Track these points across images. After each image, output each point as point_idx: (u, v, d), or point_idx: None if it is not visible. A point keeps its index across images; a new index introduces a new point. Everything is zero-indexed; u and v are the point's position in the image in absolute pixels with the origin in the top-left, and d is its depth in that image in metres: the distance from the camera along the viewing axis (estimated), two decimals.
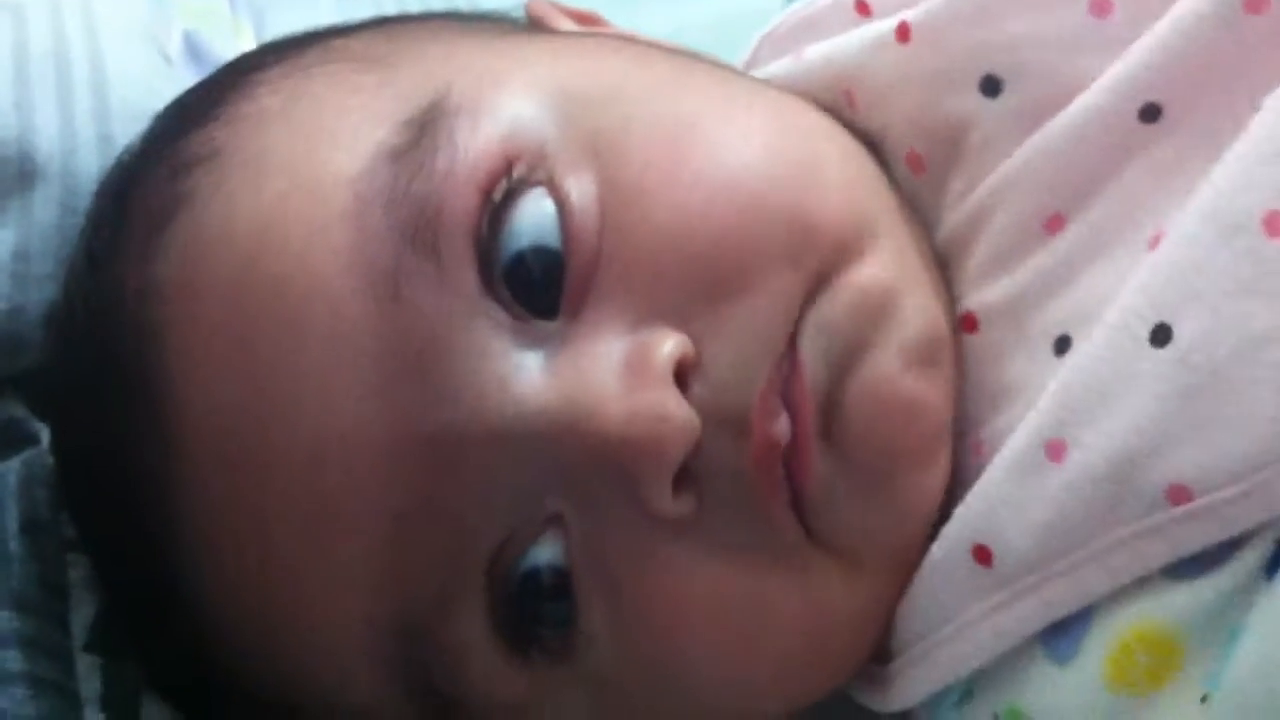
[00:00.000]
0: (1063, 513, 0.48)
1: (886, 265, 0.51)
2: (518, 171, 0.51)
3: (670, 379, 0.48)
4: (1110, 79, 0.51)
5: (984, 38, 0.54)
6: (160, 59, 0.73)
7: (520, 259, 0.50)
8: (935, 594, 0.51)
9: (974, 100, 0.54)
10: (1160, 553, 0.47)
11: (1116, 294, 0.49)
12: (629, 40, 0.63)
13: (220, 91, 0.57)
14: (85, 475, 0.57)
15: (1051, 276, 0.52)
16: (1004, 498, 0.49)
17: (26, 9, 0.67)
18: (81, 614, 0.58)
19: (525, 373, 0.49)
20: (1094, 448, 0.47)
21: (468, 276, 0.49)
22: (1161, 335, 0.47)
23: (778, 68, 0.62)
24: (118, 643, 0.58)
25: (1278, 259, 0.46)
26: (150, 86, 0.67)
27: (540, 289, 0.50)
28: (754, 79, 0.62)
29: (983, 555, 0.50)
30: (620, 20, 0.84)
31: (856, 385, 0.49)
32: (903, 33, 0.56)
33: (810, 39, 0.61)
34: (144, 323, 0.52)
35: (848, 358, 0.50)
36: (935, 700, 0.53)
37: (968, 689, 0.52)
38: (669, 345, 0.48)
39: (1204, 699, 0.46)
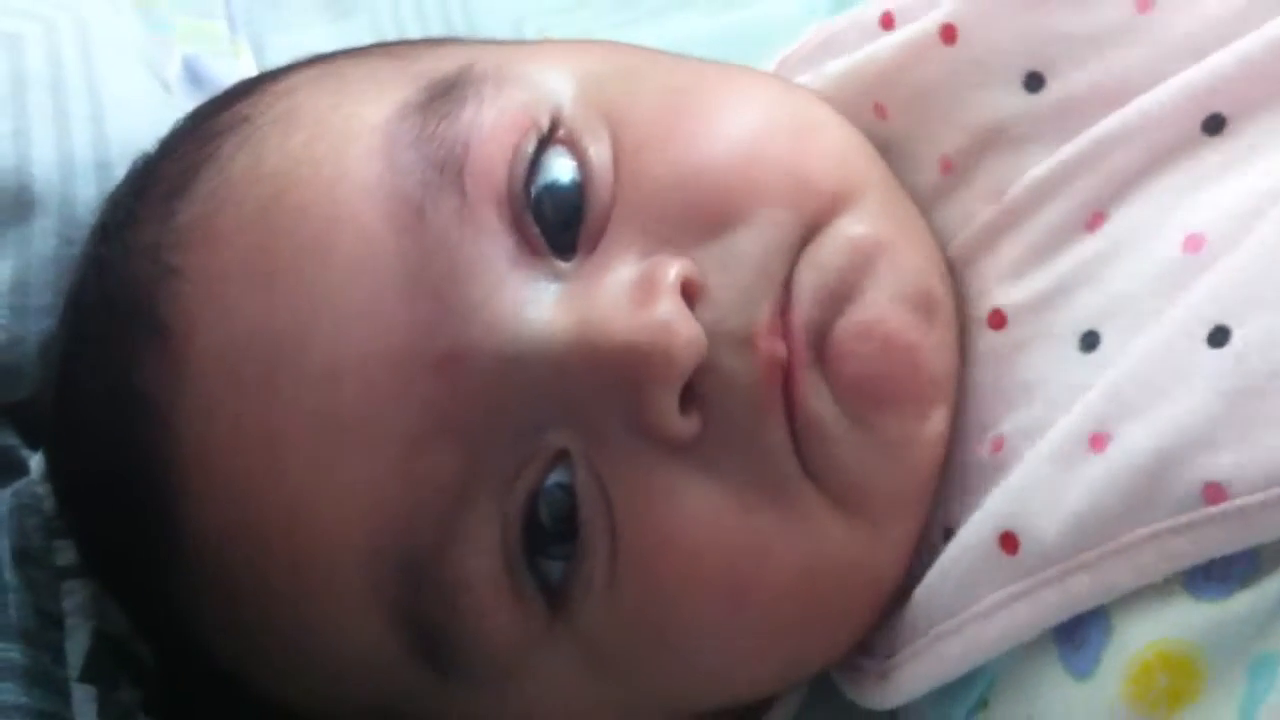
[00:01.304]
0: (1097, 503, 0.48)
1: (878, 219, 0.53)
2: (542, 129, 0.53)
3: (678, 294, 0.49)
4: (1182, 84, 0.52)
5: (1030, 33, 0.55)
6: (159, 86, 0.73)
7: (540, 202, 0.52)
8: (952, 582, 0.51)
9: (1016, 96, 0.55)
10: (1188, 553, 0.47)
11: (1147, 291, 0.50)
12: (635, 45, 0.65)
13: (245, 86, 0.59)
14: (80, 410, 0.57)
15: (1084, 272, 0.53)
16: (1039, 486, 0.50)
17: (24, 38, 0.67)
18: (76, 643, 0.59)
19: (539, 299, 0.51)
20: (1137, 439, 0.48)
21: (491, 211, 0.52)
22: (1219, 336, 0.47)
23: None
24: (112, 670, 0.58)
25: None
26: (149, 114, 0.67)
27: (558, 232, 0.52)
28: (747, 66, 0.63)
29: (1009, 543, 0.50)
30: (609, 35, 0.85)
31: (846, 321, 0.51)
32: (948, 34, 0.57)
33: (828, 59, 0.62)
34: (158, 266, 0.53)
35: (839, 298, 0.51)
36: (949, 709, 0.53)
37: (983, 699, 0.52)
38: (676, 266, 0.50)
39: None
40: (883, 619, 0.54)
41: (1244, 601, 0.46)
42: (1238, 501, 0.46)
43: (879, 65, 0.59)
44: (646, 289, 0.50)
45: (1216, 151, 0.51)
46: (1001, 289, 0.54)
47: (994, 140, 0.56)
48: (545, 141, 0.53)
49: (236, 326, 0.51)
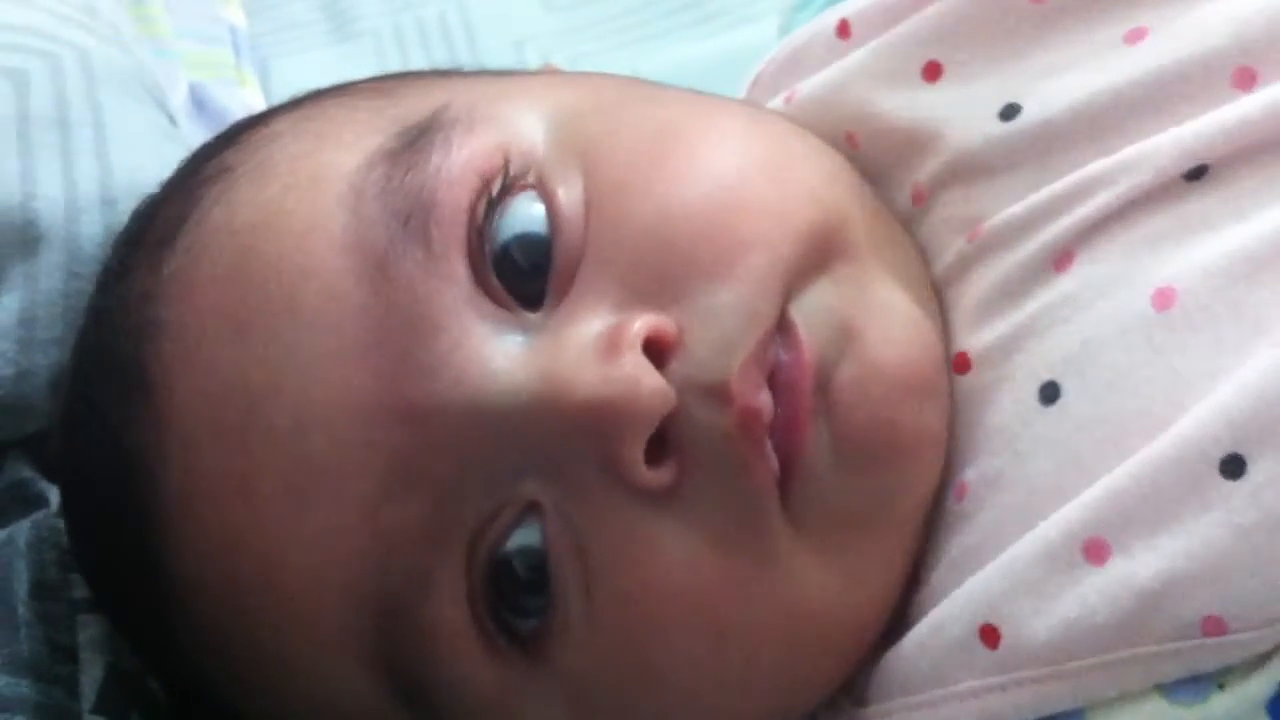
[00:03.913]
0: (1092, 617, 0.48)
1: (867, 258, 0.53)
2: (511, 171, 0.53)
3: (639, 348, 0.49)
4: (1171, 139, 0.51)
5: (1013, 69, 0.55)
6: (163, 118, 0.74)
7: (507, 251, 0.52)
8: (929, 657, 0.51)
9: (990, 124, 0.55)
10: (1173, 671, 0.47)
11: (1113, 346, 0.50)
12: (616, 75, 0.66)
13: (237, 128, 0.60)
14: (82, 468, 0.58)
15: (1050, 315, 0.52)
16: (1028, 585, 0.49)
17: (30, 74, 0.67)
18: (91, 676, 0.59)
19: (505, 353, 0.50)
20: (1142, 561, 0.47)
21: (457, 264, 0.51)
22: (1234, 466, 0.47)
23: (771, 108, 0.63)
24: (126, 704, 0.59)
25: None
26: (153, 149, 0.68)
27: (526, 281, 0.52)
28: (727, 97, 0.63)
29: (990, 636, 0.50)
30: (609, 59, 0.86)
31: (845, 366, 0.50)
32: (932, 71, 0.57)
33: (798, 75, 0.62)
34: (146, 322, 0.54)
35: (842, 341, 0.51)
36: None
37: None
38: (641, 320, 0.50)
39: None
40: (868, 661, 0.54)
41: (1220, 705, 0.47)
42: (1235, 637, 0.46)
43: (853, 96, 0.59)
44: (612, 343, 0.49)
45: (1196, 201, 0.51)
46: (967, 331, 0.54)
47: (964, 170, 0.55)
48: (512, 185, 0.53)
49: (213, 380, 0.51)
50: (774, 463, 0.50)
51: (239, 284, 0.52)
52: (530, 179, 0.53)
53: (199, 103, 0.86)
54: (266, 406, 0.50)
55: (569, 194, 0.52)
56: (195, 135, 0.79)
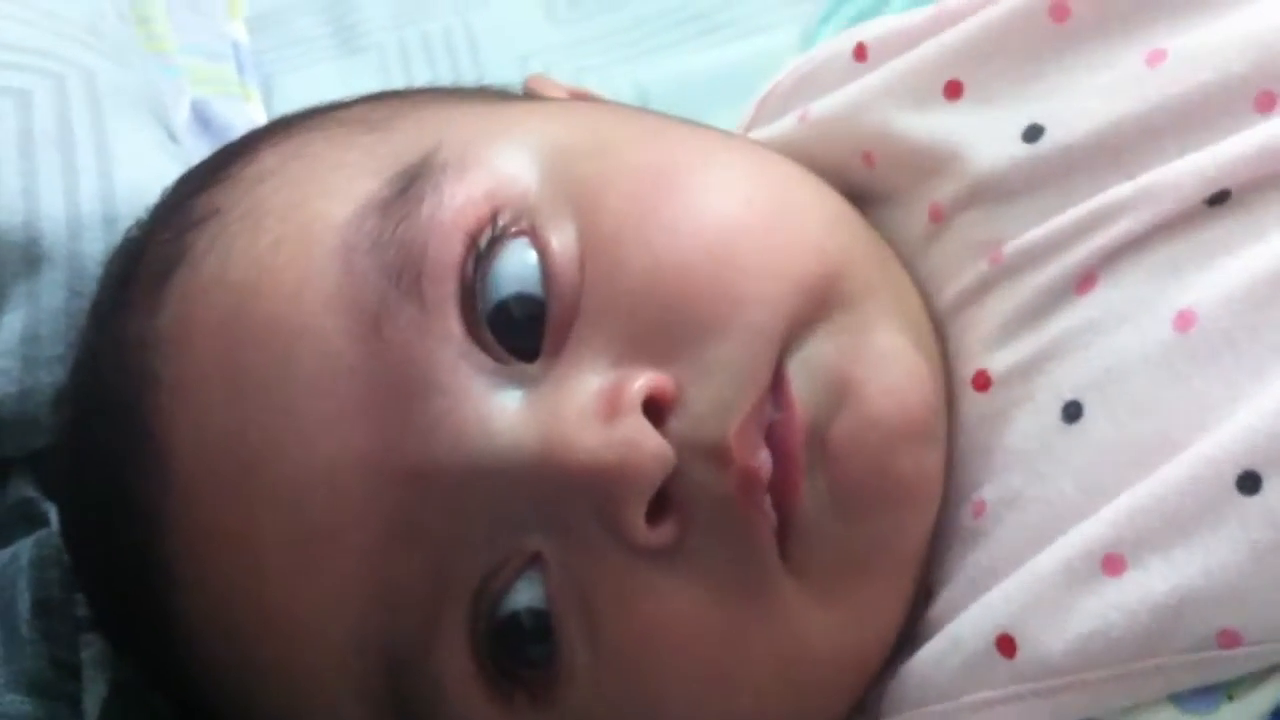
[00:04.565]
0: (1108, 629, 0.48)
1: (866, 308, 0.52)
2: (501, 220, 0.52)
3: (639, 410, 0.49)
4: (1191, 165, 0.51)
5: (1034, 89, 0.55)
6: (165, 137, 0.74)
7: (503, 305, 0.51)
8: (946, 668, 0.51)
9: (1014, 146, 0.54)
10: (1189, 680, 0.48)
11: (1135, 369, 0.50)
12: (614, 104, 0.65)
13: (224, 158, 0.59)
14: (84, 516, 0.58)
15: (1072, 339, 0.52)
16: (1046, 597, 0.49)
17: (32, 93, 0.67)
18: (94, 694, 0.59)
19: (503, 410, 0.50)
20: (1160, 576, 0.47)
21: (450, 319, 0.51)
22: (1249, 483, 0.47)
23: (780, 128, 0.62)
24: (137, 693, 0.59)
25: None
26: (155, 167, 0.68)
27: (522, 333, 0.51)
28: (728, 133, 0.63)
29: (1007, 646, 0.50)
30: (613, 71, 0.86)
31: (841, 418, 0.50)
32: (953, 90, 0.57)
33: (811, 95, 0.62)
34: (142, 370, 0.53)
35: (835, 393, 0.50)
36: None
37: None
38: (640, 380, 0.49)
39: None
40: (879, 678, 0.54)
41: (1229, 714, 0.47)
42: (1251, 649, 0.46)
43: (873, 116, 0.58)
44: (612, 403, 0.49)
45: (1218, 226, 0.51)
46: (988, 351, 0.54)
47: (986, 191, 0.55)
48: (504, 233, 0.52)
49: (212, 436, 0.51)
50: (772, 518, 0.50)
51: (235, 342, 0.51)
52: (523, 225, 0.52)
53: (202, 119, 0.86)
54: (267, 467, 0.50)
55: (562, 241, 0.52)
56: (198, 152, 0.79)
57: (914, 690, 0.52)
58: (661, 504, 0.49)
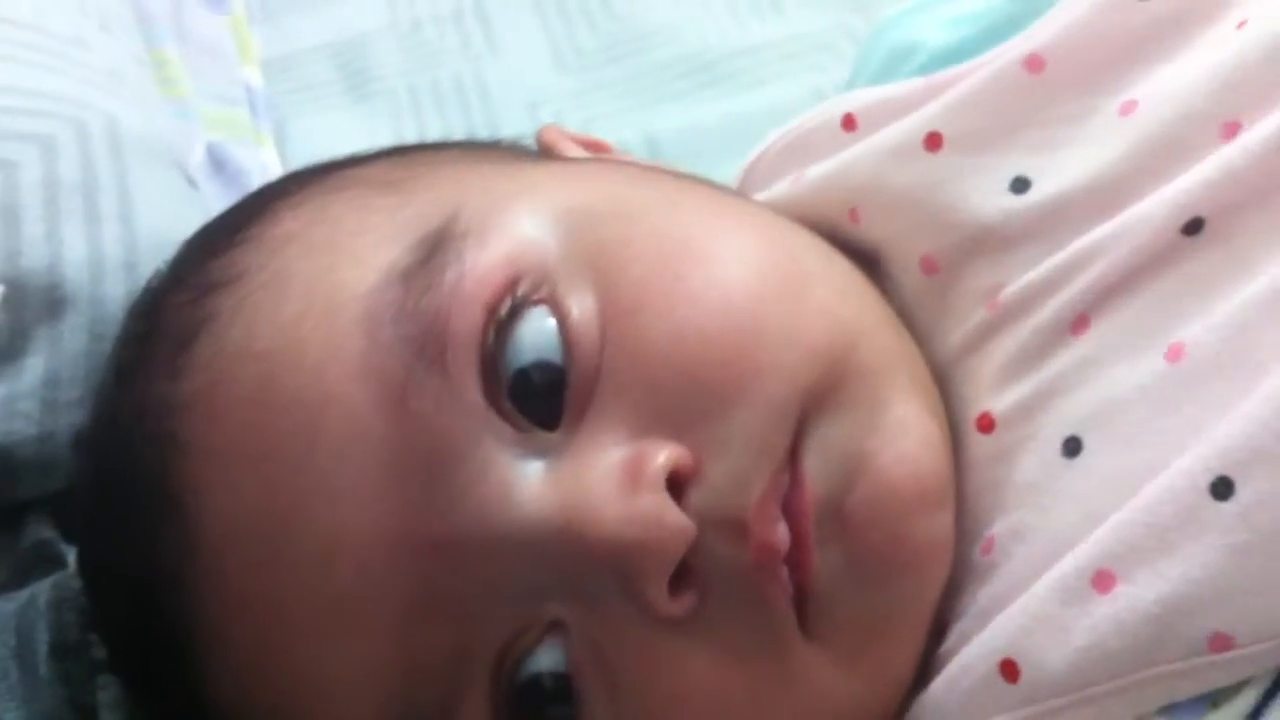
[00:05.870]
0: (1103, 644, 0.49)
1: (879, 377, 0.53)
2: (521, 289, 0.53)
3: (662, 485, 0.49)
4: (1161, 197, 0.53)
5: (1015, 140, 0.56)
6: (184, 184, 0.75)
7: (524, 374, 0.52)
8: (956, 697, 0.52)
9: (1003, 199, 0.56)
10: (1188, 688, 0.48)
11: (1130, 401, 0.51)
12: (629, 164, 0.66)
13: (244, 218, 0.59)
14: (109, 582, 0.59)
15: (1069, 378, 0.53)
16: (1043, 619, 0.50)
17: (57, 139, 0.68)
18: None
19: (525, 482, 0.51)
20: (1147, 586, 0.48)
21: (472, 390, 0.51)
22: (1222, 489, 0.48)
23: (777, 191, 0.64)
24: None
25: None
26: (175, 213, 0.69)
27: (542, 401, 0.52)
28: (743, 198, 0.64)
29: (1010, 671, 0.51)
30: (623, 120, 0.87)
31: (857, 489, 0.51)
32: (933, 141, 0.58)
33: (803, 161, 0.63)
34: (168, 436, 0.54)
35: (849, 464, 0.51)
36: None
37: None
38: (664, 455, 0.50)
39: None
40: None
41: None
42: (1243, 651, 0.47)
43: (859, 173, 0.60)
44: (634, 477, 0.49)
45: (1200, 259, 0.52)
46: (991, 394, 0.55)
47: (983, 242, 0.56)
48: (524, 302, 0.52)
49: (239, 506, 0.52)
50: (789, 588, 0.51)
51: (262, 412, 0.52)
52: (543, 293, 0.53)
53: (217, 162, 0.87)
54: (294, 538, 0.51)
55: (582, 309, 0.52)
56: (214, 195, 0.81)
57: (929, 718, 0.53)
58: (680, 573, 0.50)
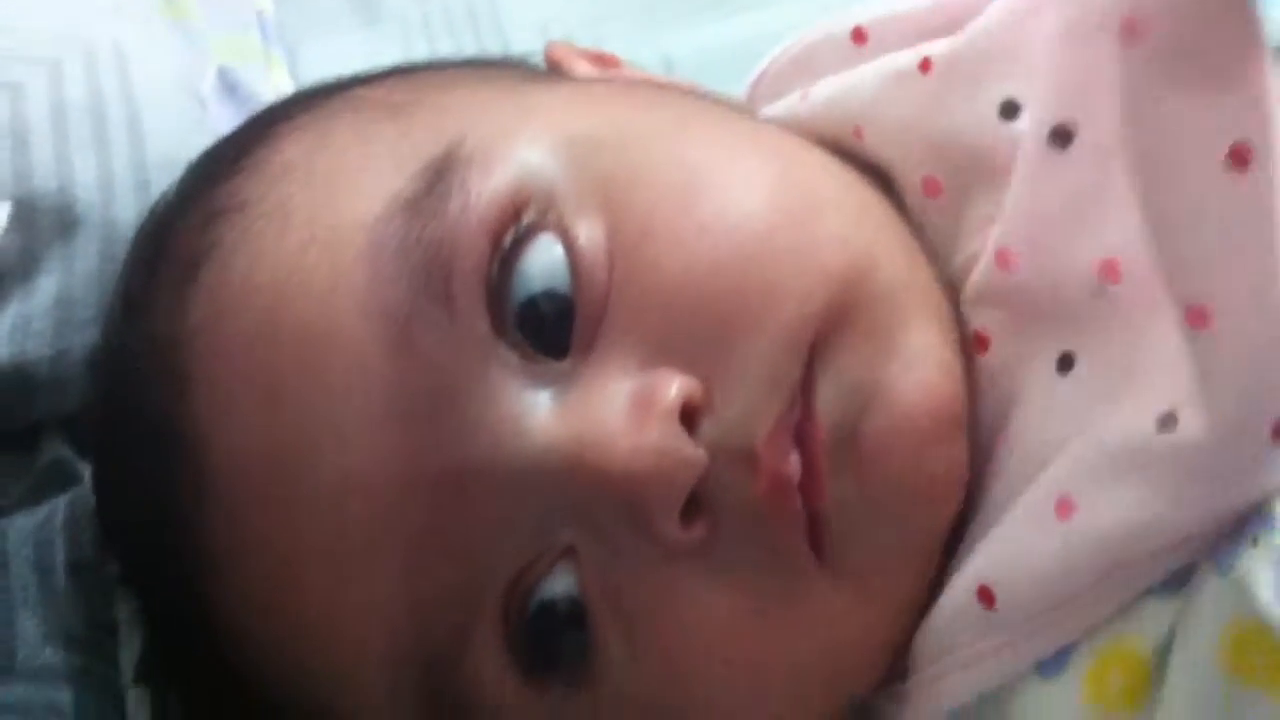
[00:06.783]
0: (1066, 566, 0.49)
1: (892, 300, 0.53)
2: (527, 217, 0.52)
3: (675, 417, 0.49)
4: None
5: (1007, 68, 0.55)
6: (195, 106, 0.75)
7: (531, 303, 0.52)
8: (945, 626, 0.53)
9: (993, 125, 0.55)
10: (1151, 577, 0.49)
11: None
12: (641, 84, 0.65)
13: (247, 142, 0.59)
14: (121, 513, 0.59)
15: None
16: (1011, 544, 0.51)
17: (63, 64, 0.68)
18: (130, 649, 0.60)
19: (535, 412, 0.50)
20: (1100, 515, 0.48)
21: (479, 320, 0.51)
22: (1168, 420, 0.47)
23: (782, 107, 0.63)
24: (165, 676, 0.60)
25: None
26: (185, 135, 0.69)
27: (551, 330, 0.52)
28: (755, 119, 0.63)
29: (986, 596, 0.51)
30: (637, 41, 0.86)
31: (872, 418, 0.50)
32: (925, 65, 0.57)
33: (809, 76, 0.62)
34: (174, 370, 0.54)
35: (862, 392, 0.51)
36: None
37: None
38: (675, 386, 0.50)
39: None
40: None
41: (1180, 597, 0.48)
42: (1203, 543, 0.47)
43: (862, 95, 0.59)
44: (645, 408, 0.49)
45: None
46: (979, 309, 0.54)
47: (977, 169, 0.56)
48: (531, 229, 0.52)
49: (248, 443, 0.52)
50: (802, 517, 0.50)
51: (267, 348, 0.52)
52: (549, 220, 0.52)
53: (228, 88, 0.86)
54: (302, 476, 0.51)
55: (590, 236, 0.52)
56: (225, 118, 0.80)
57: (928, 648, 0.53)
58: (691, 504, 0.49)
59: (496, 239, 0.51)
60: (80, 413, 0.65)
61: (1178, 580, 0.48)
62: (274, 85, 0.88)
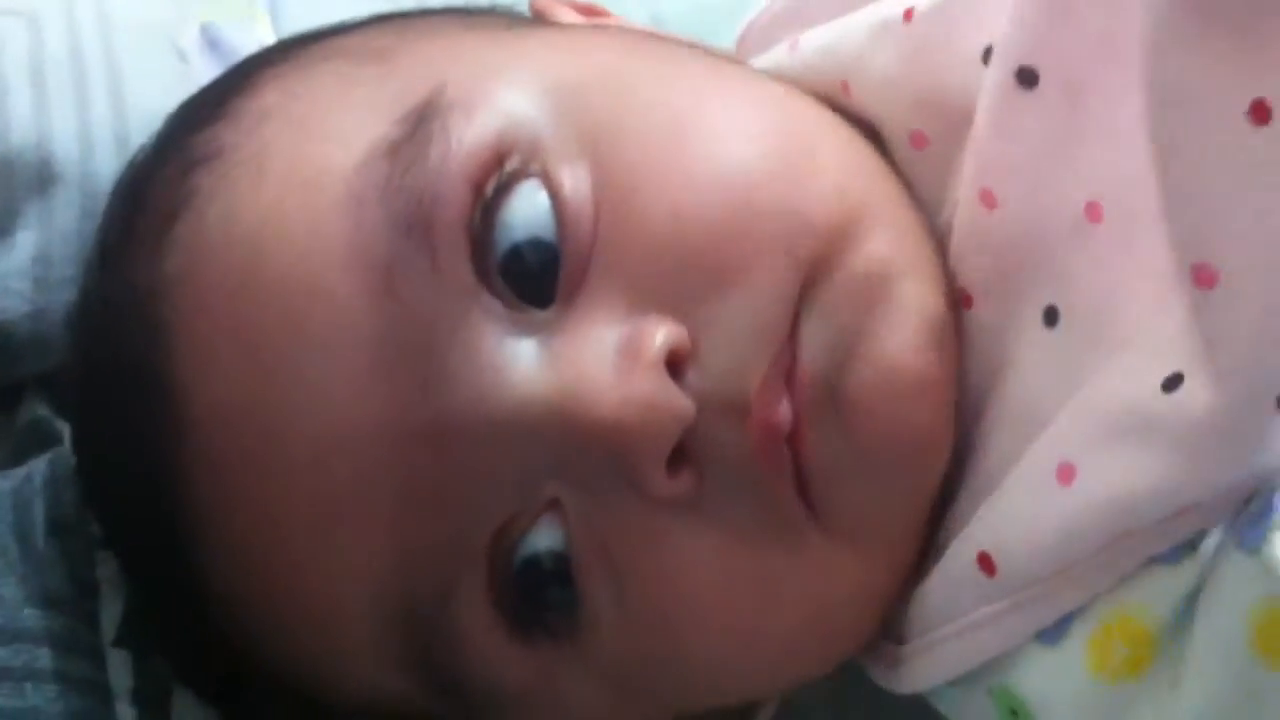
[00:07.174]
0: (1068, 534, 0.49)
1: (884, 251, 0.52)
2: (511, 164, 0.51)
3: (662, 366, 0.48)
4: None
5: (988, 15, 0.54)
6: (175, 59, 0.74)
7: (515, 251, 0.51)
8: (944, 592, 0.52)
9: (975, 72, 0.54)
10: (1155, 548, 0.48)
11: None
12: (626, 31, 0.64)
13: (226, 90, 0.58)
14: (101, 469, 0.59)
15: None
16: (1012, 511, 0.50)
17: (41, 15, 0.67)
18: (111, 610, 0.60)
19: (519, 361, 0.50)
20: (1101, 481, 0.48)
21: (462, 268, 0.50)
22: (1173, 383, 0.47)
23: (771, 58, 0.62)
24: (147, 637, 0.60)
25: None
26: (165, 88, 0.67)
27: (535, 278, 0.51)
28: (746, 67, 0.62)
29: (986, 564, 0.50)
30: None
31: (858, 369, 0.50)
32: (908, 15, 0.57)
33: (799, 26, 0.61)
34: (152, 321, 0.53)
35: (849, 343, 0.50)
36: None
37: None
38: (661, 334, 0.49)
39: (1172, 685, 0.48)
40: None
41: (1191, 566, 0.48)
42: (1210, 513, 0.47)
43: (848, 48, 0.58)
44: (631, 357, 0.48)
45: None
46: (965, 261, 0.54)
47: (966, 119, 0.54)
48: (515, 176, 0.51)
49: (227, 395, 0.51)
50: (790, 467, 0.50)
51: (246, 300, 0.51)
52: (534, 167, 0.51)
53: (212, 43, 0.85)
54: (285, 430, 0.50)
55: (575, 183, 0.51)
56: (208, 74, 0.79)
57: (926, 613, 0.53)
58: (678, 455, 0.49)
59: (479, 186, 0.51)
60: (60, 371, 0.64)
61: (1182, 549, 0.48)
62: (257, 39, 0.86)
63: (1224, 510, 0.47)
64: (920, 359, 0.50)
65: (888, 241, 0.52)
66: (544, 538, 0.51)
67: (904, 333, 0.50)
